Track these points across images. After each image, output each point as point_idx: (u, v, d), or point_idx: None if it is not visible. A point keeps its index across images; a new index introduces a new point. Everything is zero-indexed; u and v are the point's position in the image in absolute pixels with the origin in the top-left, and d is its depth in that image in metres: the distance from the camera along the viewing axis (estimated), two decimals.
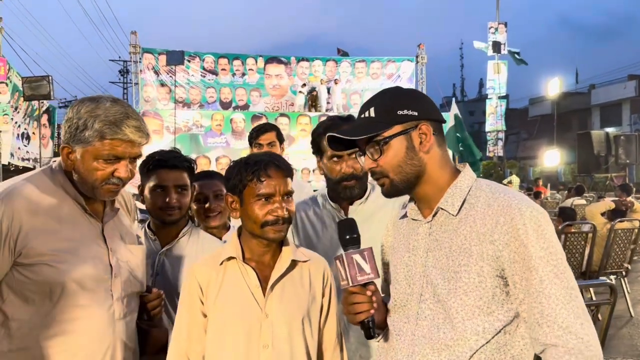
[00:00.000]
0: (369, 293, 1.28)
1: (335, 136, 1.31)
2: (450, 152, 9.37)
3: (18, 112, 12.53)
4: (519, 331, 1.22)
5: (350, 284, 1.27)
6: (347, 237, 1.33)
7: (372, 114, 1.29)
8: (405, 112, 1.26)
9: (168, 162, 1.99)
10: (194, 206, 2.30)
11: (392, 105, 1.28)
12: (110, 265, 1.58)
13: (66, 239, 1.51)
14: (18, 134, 12.67)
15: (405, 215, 1.40)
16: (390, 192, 1.33)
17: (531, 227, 1.17)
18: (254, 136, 3.19)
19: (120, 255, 1.62)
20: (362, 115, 1.32)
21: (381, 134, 1.27)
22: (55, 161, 1.63)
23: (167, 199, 1.96)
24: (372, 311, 1.28)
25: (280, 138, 3.21)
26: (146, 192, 2.00)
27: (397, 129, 1.27)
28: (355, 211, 1.99)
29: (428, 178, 1.29)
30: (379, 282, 1.41)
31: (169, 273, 1.96)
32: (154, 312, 1.76)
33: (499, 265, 1.19)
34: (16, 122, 12.41)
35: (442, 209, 1.28)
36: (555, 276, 1.16)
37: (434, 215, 1.29)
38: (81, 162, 1.51)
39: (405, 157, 1.27)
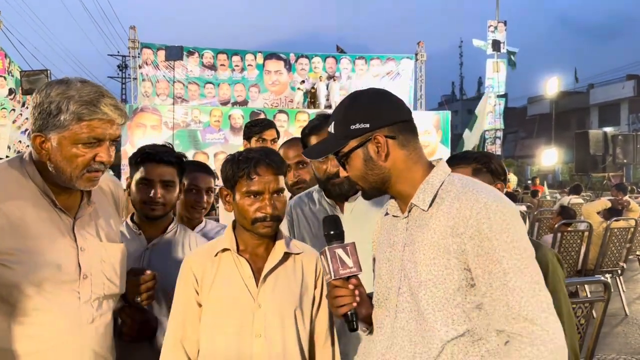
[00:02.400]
0: (351, 287, 1.33)
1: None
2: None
3: (26, 107, 12.48)
4: (496, 323, 1.22)
5: (333, 277, 1.32)
6: (332, 232, 1.38)
7: (332, 130, 1.35)
8: (358, 126, 1.30)
9: (156, 156, 1.93)
10: (181, 196, 2.29)
11: (345, 121, 1.32)
12: (79, 266, 1.46)
13: (28, 236, 1.39)
14: (27, 129, 12.60)
15: (388, 212, 1.44)
16: (365, 196, 1.41)
17: (495, 221, 1.19)
18: (257, 131, 3.12)
19: (93, 255, 1.50)
20: (328, 129, 1.38)
21: (340, 150, 1.33)
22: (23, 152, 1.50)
23: (152, 194, 1.90)
24: (355, 304, 1.32)
25: (278, 135, 3.21)
26: (132, 184, 1.96)
27: (352, 144, 1.31)
28: (351, 207, 2.01)
29: (397, 179, 1.32)
30: (369, 278, 1.44)
31: (156, 269, 1.88)
32: (148, 294, 1.71)
33: (464, 258, 1.21)
34: (27, 118, 12.34)
35: (414, 204, 1.31)
36: (519, 270, 1.17)
37: (409, 211, 1.33)
38: (58, 149, 1.39)
39: (364, 168, 1.32)
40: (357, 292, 1.33)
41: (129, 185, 2.00)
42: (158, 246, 1.97)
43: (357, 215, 1.97)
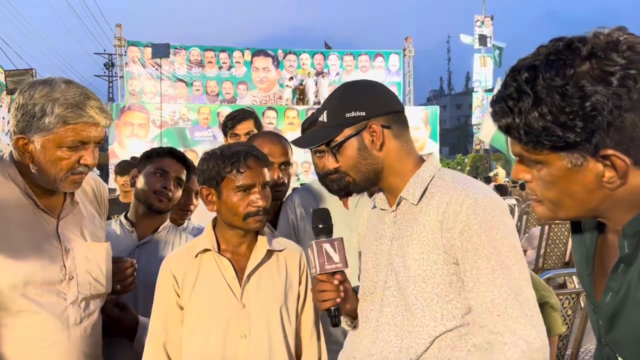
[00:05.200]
0: (335, 282, 1.32)
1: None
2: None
3: (0, 106, 12.28)
4: (482, 320, 1.21)
5: (318, 272, 1.32)
6: (320, 226, 1.37)
7: (325, 119, 1.32)
8: (353, 114, 1.27)
9: (177, 153, 2.02)
10: None
11: (340, 109, 1.29)
12: (65, 267, 1.45)
13: (10, 238, 1.37)
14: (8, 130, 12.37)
15: (375, 205, 1.43)
16: (355, 188, 1.40)
17: (485, 217, 1.18)
18: (229, 125, 2.84)
19: (78, 255, 1.49)
20: (320, 119, 1.35)
21: (333, 139, 1.30)
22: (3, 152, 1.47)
23: (165, 185, 1.92)
24: (339, 300, 1.31)
25: (259, 127, 2.87)
26: (142, 176, 1.96)
27: (347, 132, 1.29)
28: (355, 201, 1.99)
29: (389, 171, 1.31)
30: (353, 274, 1.44)
31: (145, 266, 1.88)
32: (128, 282, 1.70)
33: (454, 253, 1.21)
34: (3, 117, 12.15)
35: (404, 198, 1.30)
36: (507, 267, 1.17)
37: (397, 205, 1.32)
38: (42, 152, 1.37)
39: (359, 157, 1.30)
40: (341, 287, 1.33)
41: (133, 179, 2.00)
42: (149, 244, 1.97)
43: (362, 210, 1.95)
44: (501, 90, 0.85)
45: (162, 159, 1.97)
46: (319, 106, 1.51)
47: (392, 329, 1.27)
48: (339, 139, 1.30)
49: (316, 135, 1.36)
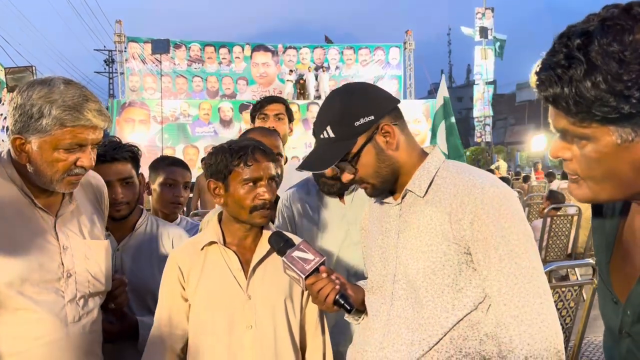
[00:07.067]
0: (323, 275, 1.33)
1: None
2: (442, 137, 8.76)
3: (2, 103, 12.28)
4: (492, 309, 1.22)
5: (304, 277, 1.33)
6: (281, 245, 1.41)
7: (331, 134, 1.26)
8: (362, 120, 1.24)
9: (107, 155, 1.83)
10: (156, 189, 2.26)
11: (347, 119, 1.24)
12: (63, 264, 1.45)
13: (7, 236, 1.37)
14: (3, 127, 12.41)
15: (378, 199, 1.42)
16: (374, 194, 1.35)
17: (493, 206, 1.17)
18: (258, 107, 2.70)
19: (77, 253, 1.48)
20: (322, 136, 1.28)
21: (349, 152, 1.26)
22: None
23: (113, 195, 1.80)
24: (337, 287, 1.33)
25: (290, 115, 2.74)
26: None
27: (361, 140, 1.25)
28: (351, 197, 1.99)
29: (403, 167, 1.30)
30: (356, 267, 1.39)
31: (130, 269, 1.86)
32: (121, 299, 1.69)
33: (465, 243, 1.20)
34: (1, 114, 12.16)
35: (409, 190, 1.29)
36: (516, 255, 1.16)
37: (403, 197, 1.31)
38: (39, 153, 1.36)
39: (377, 161, 1.27)
40: (332, 276, 1.34)
41: None
42: (128, 245, 1.91)
43: (358, 204, 1.95)
44: (548, 58, 0.78)
45: (98, 168, 1.76)
46: (320, 101, 1.49)
47: (403, 322, 1.27)
48: (355, 149, 1.25)
49: (328, 153, 1.27)
